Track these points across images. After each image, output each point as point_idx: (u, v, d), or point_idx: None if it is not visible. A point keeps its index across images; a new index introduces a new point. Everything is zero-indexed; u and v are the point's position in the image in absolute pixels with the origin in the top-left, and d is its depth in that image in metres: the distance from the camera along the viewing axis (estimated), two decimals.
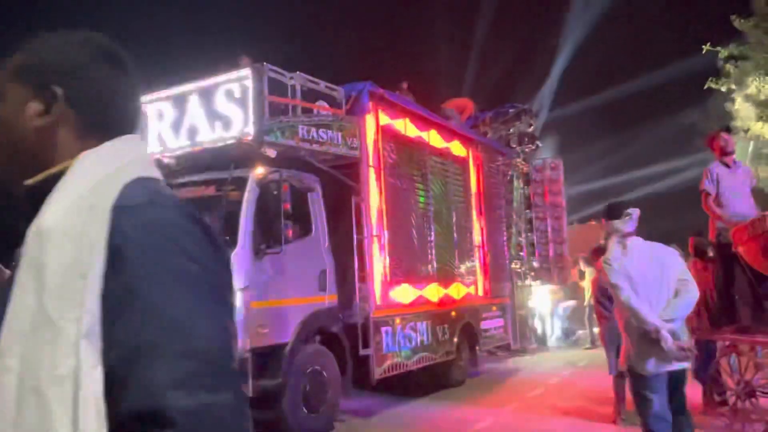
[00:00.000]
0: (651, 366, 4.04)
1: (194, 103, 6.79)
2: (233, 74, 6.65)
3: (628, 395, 6.68)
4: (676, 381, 4.16)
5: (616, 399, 6.63)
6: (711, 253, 6.84)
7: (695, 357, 6.93)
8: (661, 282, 4.13)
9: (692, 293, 4.14)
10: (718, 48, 15.69)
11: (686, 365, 4.19)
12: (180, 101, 6.89)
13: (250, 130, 6.43)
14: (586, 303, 13.50)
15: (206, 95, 6.73)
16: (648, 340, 3.97)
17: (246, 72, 6.58)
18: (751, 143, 16.32)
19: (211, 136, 6.67)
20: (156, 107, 7.04)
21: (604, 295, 6.71)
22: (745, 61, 15.71)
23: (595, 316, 8.59)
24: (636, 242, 4.27)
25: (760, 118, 15.91)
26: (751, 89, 15.67)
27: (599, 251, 7.17)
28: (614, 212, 4.31)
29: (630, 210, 4.26)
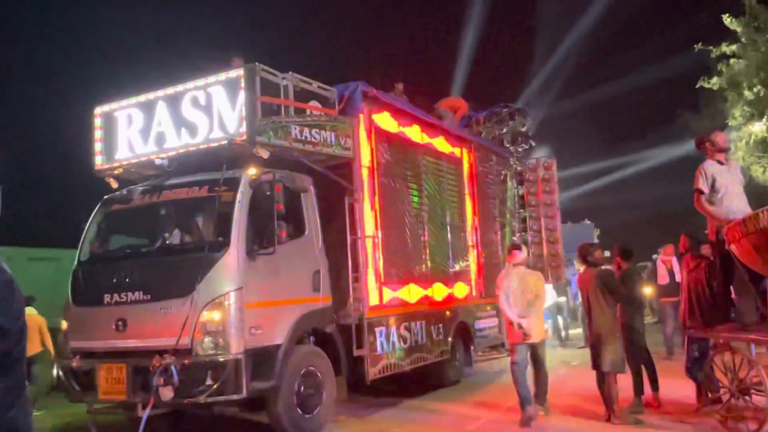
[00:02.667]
0: (515, 339, 7.00)
1: (186, 104, 6.76)
2: (226, 74, 6.62)
3: (621, 394, 6.74)
4: (532, 348, 7.09)
5: (609, 397, 6.63)
6: (702, 251, 6.85)
7: (688, 355, 6.98)
8: (523, 294, 7.01)
9: (539, 304, 7.13)
10: (710, 47, 15.75)
11: (535, 341, 7.03)
12: (172, 101, 6.86)
13: (243, 130, 6.40)
14: (579, 301, 13.52)
15: (198, 95, 6.70)
16: (514, 326, 6.94)
17: (238, 72, 6.56)
18: (744, 141, 16.38)
19: (203, 136, 6.64)
20: (147, 108, 7.01)
21: (605, 288, 6.69)
22: (736, 60, 15.76)
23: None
24: (516, 269, 7.16)
25: (752, 117, 15.97)
26: (743, 87, 15.73)
27: (586, 249, 7.15)
28: (508, 250, 7.58)
29: (514, 250, 7.33)
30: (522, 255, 7.26)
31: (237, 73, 6.55)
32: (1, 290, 1.51)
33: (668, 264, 11.18)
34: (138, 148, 7.08)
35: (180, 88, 6.84)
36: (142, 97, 7.10)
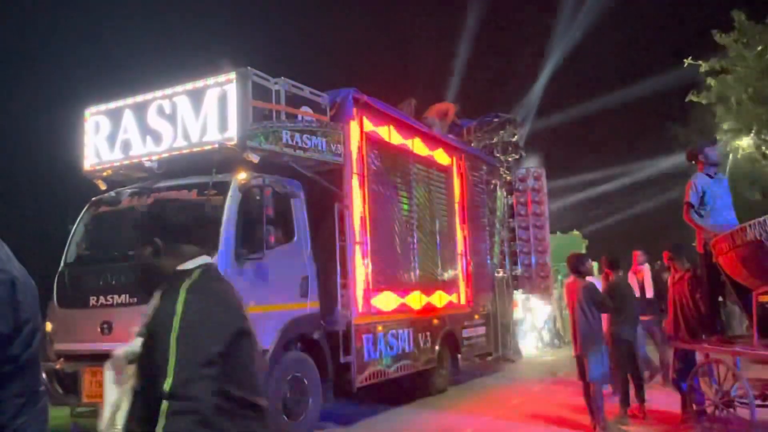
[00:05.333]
0: None
1: (177, 106, 6.74)
2: (217, 78, 6.60)
3: (608, 405, 6.75)
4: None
5: (595, 408, 6.64)
6: (686, 265, 6.89)
7: (674, 366, 7.00)
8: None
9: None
10: (699, 62, 15.90)
11: None
12: (162, 104, 6.83)
13: (234, 134, 6.39)
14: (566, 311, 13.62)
15: (188, 98, 6.68)
16: None
17: (230, 76, 6.54)
18: (731, 155, 16.54)
19: (194, 139, 6.62)
20: (137, 110, 6.98)
21: (591, 300, 6.70)
22: (725, 75, 15.93)
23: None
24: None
25: (740, 131, 16.14)
26: (732, 102, 15.90)
27: (577, 259, 7.16)
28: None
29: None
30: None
31: (230, 76, 6.54)
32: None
33: (640, 276, 9.35)
34: (127, 149, 7.05)
35: (169, 91, 6.82)
36: (132, 99, 7.06)
